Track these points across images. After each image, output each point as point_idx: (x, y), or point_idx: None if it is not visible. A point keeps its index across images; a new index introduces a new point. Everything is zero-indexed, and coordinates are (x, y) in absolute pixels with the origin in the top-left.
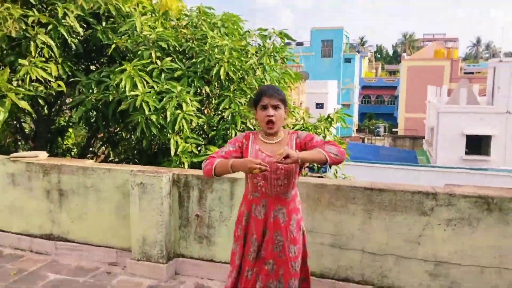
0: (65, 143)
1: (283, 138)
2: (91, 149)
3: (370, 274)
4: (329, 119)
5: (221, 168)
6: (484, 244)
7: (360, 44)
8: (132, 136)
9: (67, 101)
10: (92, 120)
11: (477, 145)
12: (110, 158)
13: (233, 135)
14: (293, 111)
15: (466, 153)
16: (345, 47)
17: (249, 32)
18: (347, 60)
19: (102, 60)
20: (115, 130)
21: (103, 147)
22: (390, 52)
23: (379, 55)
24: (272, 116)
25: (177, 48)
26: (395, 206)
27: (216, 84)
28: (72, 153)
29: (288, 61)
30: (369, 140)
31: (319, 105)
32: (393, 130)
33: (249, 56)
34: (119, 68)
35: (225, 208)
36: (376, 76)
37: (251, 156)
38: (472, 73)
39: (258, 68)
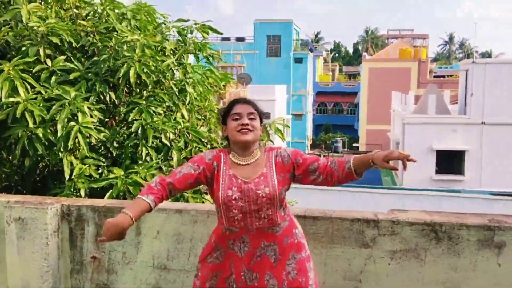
0: None
1: (259, 158)
2: None
3: None
4: (265, 132)
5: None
6: (434, 279)
7: (315, 40)
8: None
9: None
10: None
11: (449, 162)
12: None
13: (143, 153)
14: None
15: (437, 171)
16: (295, 45)
17: (165, 24)
18: (298, 60)
19: None
20: None
21: None
22: (351, 51)
23: (337, 54)
24: (248, 124)
25: (74, 45)
26: (332, 236)
27: (125, 89)
28: None
29: (216, 61)
30: (326, 157)
31: (265, 115)
32: (354, 145)
33: (166, 55)
34: None
35: (129, 248)
36: (333, 80)
37: (223, 185)
38: (443, 76)
39: (177, 69)
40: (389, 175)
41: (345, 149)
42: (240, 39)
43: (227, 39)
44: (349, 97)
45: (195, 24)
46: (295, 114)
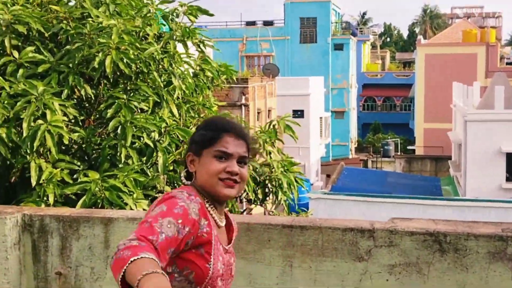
0: None
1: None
2: None
3: None
4: (272, 129)
5: (133, 275)
6: None
7: (361, 22)
8: None
9: None
10: None
11: None
12: None
13: (123, 155)
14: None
15: (507, 179)
16: (335, 28)
17: (147, 6)
18: (338, 47)
19: None
20: None
21: None
22: (406, 35)
23: (388, 39)
24: (237, 174)
25: (44, 34)
26: (322, 249)
27: (104, 82)
28: None
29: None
30: (374, 162)
31: (298, 113)
32: (409, 147)
33: (149, 42)
34: None
35: (97, 262)
36: (383, 70)
37: (215, 255)
38: None
39: (163, 58)
40: (450, 183)
41: (398, 153)
42: (268, 23)
43: (253, 23)
44: (402, 90)
45: (181, 6)
46: (335, 111)
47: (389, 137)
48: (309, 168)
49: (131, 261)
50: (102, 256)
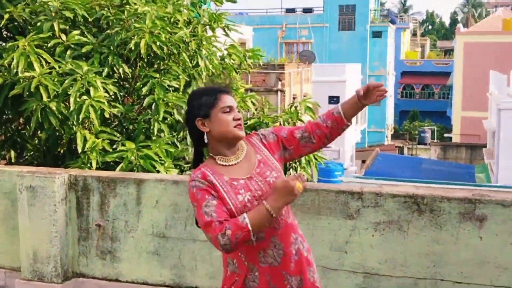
0: None
1: (247, 149)
2: None
3: None
4: (294, 110)
5: (260, 222)
6: (417, 251)
7: (402, 10)
8: (37, 134)
9: None
10: None
11: None
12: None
13: (155, 129)
14: (243, 100)
15: None
16: (373, 15)
17: None
18: (376, 34)
19: None
20: (18, 127)
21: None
22: (448, 23)
23: (430, 27)
24: (240, 118)
25: (88, 19)
26: (318, 208)
27: (141, 63)
28: None
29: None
30: (409, 149)
31: (334, 99)
32: (445, 135)
33: (179, 27)
34: (11, 44)
35: (130, 216)
36: (423, 58)
37: (228, 194)
38: None
39: (191, 41)
40: (484, 171)
41: (435, 141)
42: (307, 11)
43: (292, 10)
44: (441, 78)
45: None
46: None
47: (426, 124)
48: (344, 153)
49: (251, 224)
50: (135, 211)
